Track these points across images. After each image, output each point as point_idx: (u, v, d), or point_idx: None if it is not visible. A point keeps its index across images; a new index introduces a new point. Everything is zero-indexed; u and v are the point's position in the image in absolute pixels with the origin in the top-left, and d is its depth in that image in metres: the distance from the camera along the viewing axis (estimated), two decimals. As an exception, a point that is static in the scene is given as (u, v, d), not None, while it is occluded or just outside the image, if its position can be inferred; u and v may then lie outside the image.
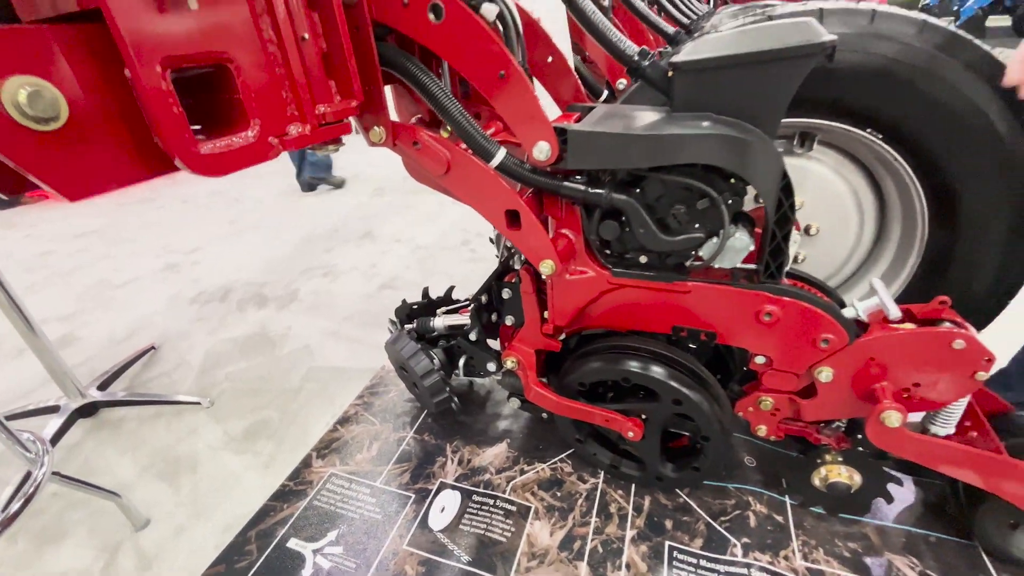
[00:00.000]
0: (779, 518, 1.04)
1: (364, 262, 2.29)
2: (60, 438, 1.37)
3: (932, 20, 0.88)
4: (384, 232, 2.58)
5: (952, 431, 0.91)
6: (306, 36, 0.70)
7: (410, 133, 0.88)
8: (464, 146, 0.88)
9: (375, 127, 0.87)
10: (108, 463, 1.31)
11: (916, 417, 0.91)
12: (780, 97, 0.78)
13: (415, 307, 1.34)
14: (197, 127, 0.66)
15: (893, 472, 0.97)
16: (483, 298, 1.13)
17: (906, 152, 0.97)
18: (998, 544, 0.94)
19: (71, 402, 1.43)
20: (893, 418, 0.82)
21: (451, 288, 1.38)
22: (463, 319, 1.23)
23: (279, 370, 1.61)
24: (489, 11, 0.76)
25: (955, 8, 11.47)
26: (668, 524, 1.05)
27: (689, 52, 0.80)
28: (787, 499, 1.08)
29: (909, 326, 0.85)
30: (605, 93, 1.31)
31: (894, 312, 0.82)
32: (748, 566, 0.96)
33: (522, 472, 1.18)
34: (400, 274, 2.16)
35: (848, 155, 1.08)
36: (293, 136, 0.69)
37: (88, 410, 1.45)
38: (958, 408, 0.88)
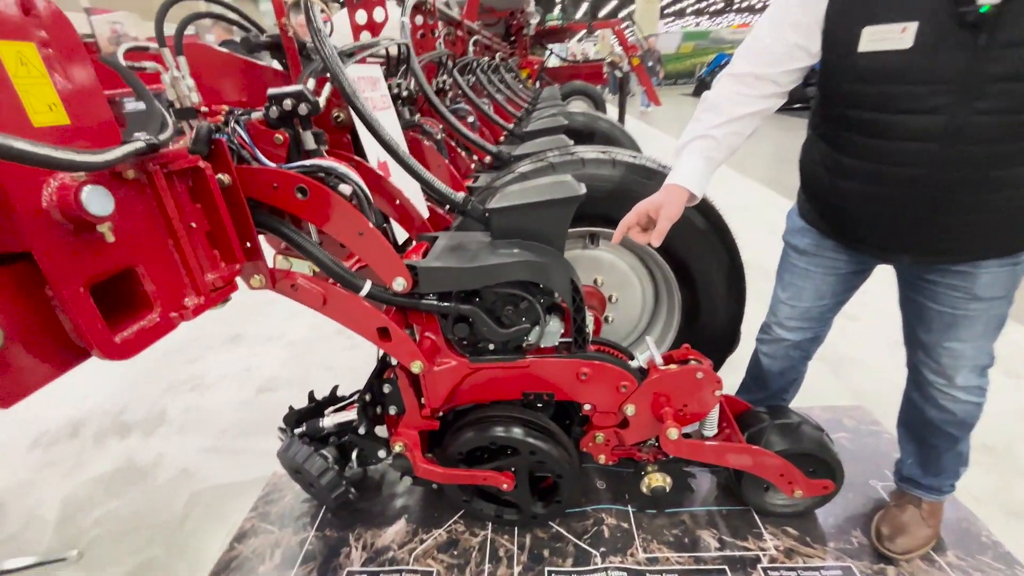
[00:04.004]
0: (625, 525, 1.35)
1: (236, 367, 2.27)
2: None
3: (620, 156, 1.34)
4: (253, 332, 2.57)
5: (716, 431, 1.31)
6: (194, 224, 0.87)
7: (288, 278, 1.06)
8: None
9: (255, 275, 1.04)
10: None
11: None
12: (560, 225, 1.14)
13: (303, 411, 1.46)
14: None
15: (688, 470, 1.35)
16: (367, 396, 1.31)
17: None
18: (759, 503, 1.35)
19: None
20: (672, 432, 1.19)
21: (335, 387, 1.53)
22: (351, 415, 1.39)
23: (157, 501, 1.56)
24: (345, 190, 1.00)
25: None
26: (546, 553, 1.29)
27: (498, 200, 1.13)
28: (630, 508, 1.40)
29: (672, 367, 1.24)
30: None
31: (658, 360, 1.20)
32: (606, 569, 1.24)
33: (421, 541, 1.34)
34: (277, 374, 2.19)
35: (624, 246, 1.52)
36: (190, 307, 0.84)
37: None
38: (714, 415, 1.28)
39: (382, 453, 1.34)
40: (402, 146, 1.17)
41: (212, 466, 1.68)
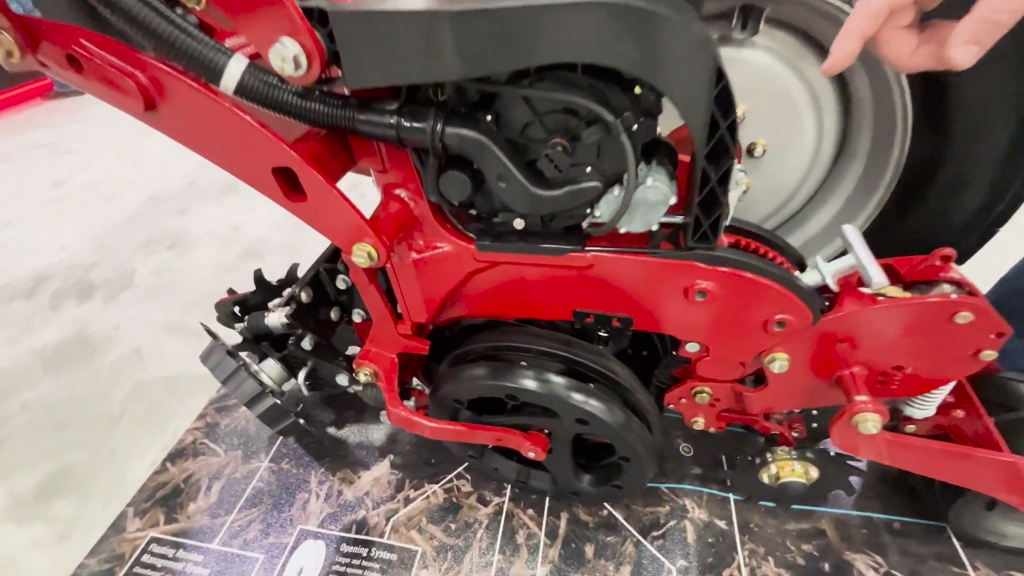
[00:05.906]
0: (721, 523, 0.84)
1: (224, 224, 1.83)
2: None
3: None
4: (253, 181, 2.09)
5: (932, 413, 0.70)
6: None
7: (63, 40, 0.47)
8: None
9: (-15, 31, 0.46)
10: None
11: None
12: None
13: (245, 299, 0.98)
14: None
15: (855, 465, 0.78)
16: (303, 294, 0.78)
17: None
18: (969, 527, 0.78)
19: None
20: (870, 424, 0.59)
21: (295, 266, 1.02)
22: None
23: (96, 389, 1.23)
24: None
25: None
26: (589, 551, 0.83)
27: None
28: (732, 496, 0.88)
29: (894, 292, 0.60)
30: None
31: (878, 279, 0.55)
32: (686, 599, 0.76)
33: (407, 501, 0.92)
34: (268, 236, 1.73)
35: (807, 37, 0.77)
36: None
37: None
38: (944, 389, 0.67)
39: (342, 379, 0.85)
40: None
41: (168, 350, 1.32)
